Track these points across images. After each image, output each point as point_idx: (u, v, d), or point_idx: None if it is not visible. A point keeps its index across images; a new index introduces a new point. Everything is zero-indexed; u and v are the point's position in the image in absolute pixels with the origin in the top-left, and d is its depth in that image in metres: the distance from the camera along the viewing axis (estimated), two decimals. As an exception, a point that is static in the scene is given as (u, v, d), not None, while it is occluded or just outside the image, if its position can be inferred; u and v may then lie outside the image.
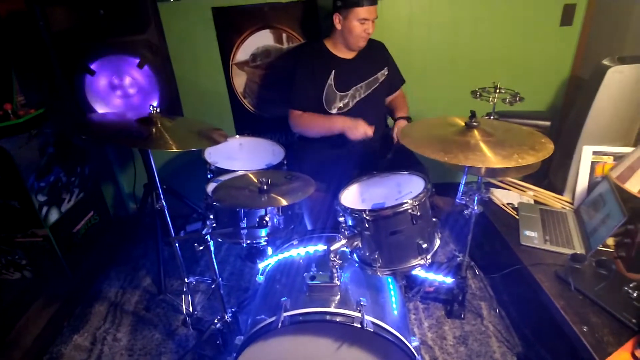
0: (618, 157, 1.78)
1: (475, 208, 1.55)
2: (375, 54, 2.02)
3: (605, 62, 1.78)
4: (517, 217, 1.88)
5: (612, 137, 1.84)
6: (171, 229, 1.56)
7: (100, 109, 1.88)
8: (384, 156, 1.85)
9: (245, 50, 2.33)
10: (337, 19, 1.84)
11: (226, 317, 1.54)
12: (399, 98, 2.15)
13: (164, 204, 1.54)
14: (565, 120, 2.22)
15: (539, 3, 2.22)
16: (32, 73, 2.06)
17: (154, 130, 1.38)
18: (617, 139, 1.85)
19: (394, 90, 2.13)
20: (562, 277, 1.50)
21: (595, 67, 1.83)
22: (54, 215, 2.03)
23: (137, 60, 1.81)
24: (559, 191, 2.01)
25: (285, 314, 1.16)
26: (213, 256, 1.40)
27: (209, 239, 1.35)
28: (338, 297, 1.23)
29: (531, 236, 1.74)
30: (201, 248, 1.34)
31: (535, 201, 2.01)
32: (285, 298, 1.22)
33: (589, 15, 2.23)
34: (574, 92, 2.37)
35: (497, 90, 1.59)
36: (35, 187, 1.92)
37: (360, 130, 1.80)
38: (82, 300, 2.08)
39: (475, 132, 1.28)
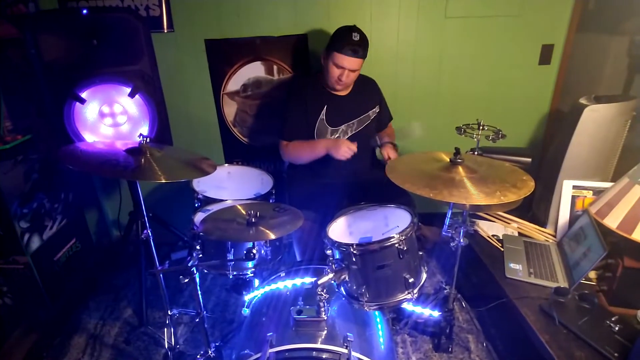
0: (597, 192, 1.83)
1: (462, 241, 1.57)
2: (368, 92, 2.07)
3: (582, 100, 1.87)
4: (502, 249, 1.91)
5: (590, 172, 1.91)
6: (156, 260, 1.53)
7: (89, 137, 1.88)
8: (374, 187, 1.86)
9: (236, 81, 2.37)
10: (322, 55, 1.90)
11: (209, 352, 1.50)
12: (388, 132, 2.20)
13: (150, 233, 1.52)
14: (545, 154, 2.30)
15: (518, 43, 2.33)
16: (21, 99, 2.06)
17: (142, 160, 1.37)
18: (596, 174, 1.91)
19: (383, 127, 2.18)
20: (546, 310, 1.51)
21: (573, 105, 1.92)
22: (35, 243, 1.98)
23: (129, 89, 1.83)
24: (542, 223, 2.05)
25: (270, 350, 1.14)
26: (198, 289, 1.38)
27: (195, 271, 1.33)
28: (325, 332, 1.22)
29: (516, 269, 1.76)
30: (186, 281, 1.32)
31: (520, 233, 2.04)
32: (271, 333, 1.20)
33: (566, 55, 2.35)
34: (554, 127, 2.47)
35: (481, 127, 1.65)
36: (18, 214, 1.88)
37: (344, 147, 1.79)
38: (62, 330, 2.01)
39: (460, 168, 1.31)
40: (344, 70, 1.83)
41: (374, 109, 2.06)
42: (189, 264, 1.33)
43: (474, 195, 1.19)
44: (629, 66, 1.93)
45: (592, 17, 2.19)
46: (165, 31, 2.23)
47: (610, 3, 2.08)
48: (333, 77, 1.86)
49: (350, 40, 1.78)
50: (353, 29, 1.81)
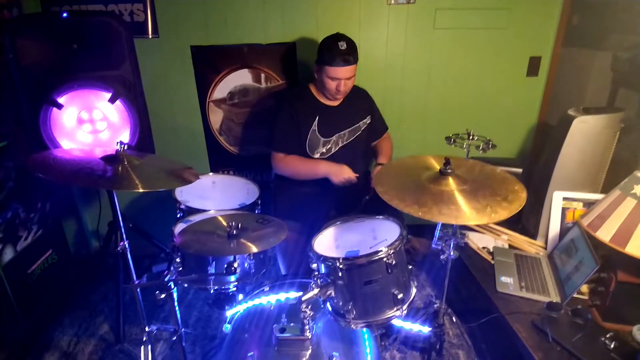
0: (587, 204, 1.81)
1: (452, 254, 1.52)
2: (359, 102, 2.04)
3: (571, 112, 1.86)
4: (493, 262, 1.87)
5: (580, 183, 1.89)
6: (133, 273, 1.45)
7: (66, 144, 1.80)
8: (362, 198, 1.83)
9: (222, 88, 2.32)
10: (315, 70, 1.88)
11: (188, 371, 1.41)
12: (384, 143, 2.17)
13: (127, 245, 1.45)
14: (535, 165, 2.28)
15: (506, 54, 2.33)
16: (-3, 105, 1.98)
17: (119, 169, 1.31)
18: (585, 186, 1.90)
19: (377, 137, 2.15)
20: (539, 326, 1.47)
21: (561, 116, 1.91)
22: (8, 254, 1.89)
23: (109, 95, 1.76)
24: (532, 235, 2.02)
25: (251, 372, 1.07)
26: (176, 305, 1.30)
27: (172, 286, 1.26)
28: (309, 352, 1.16)
29: (507, 282, 1.72)
30: (163, 296, 1.24)
31: (510, 245, 2.01)
32: (252, 353, 1.13)
33: (553, 67, 2.36)
34: (542, 139, 2.46)
35: (470, 137, 1.61)
36: (-11, 224, 1.79)
37: (345, 176, 1.81)
38: (32, 348, 1.90)
39: (450, 179, 1.28)
40: (340, 80, 1.81)
41: (364, 120, 2.03)
42: (166, 279, 1.26)
43: (464, 214, 1.14)
44: (613, 80, 1.94)
45: (576, 32, 2.22)
46: (150, 37, 2.18)
47: (592, 20, 2.11)
48: (331, 90, 1.85)
49: (339, 50, 1.75)
50: (338, 37, 1.78)
